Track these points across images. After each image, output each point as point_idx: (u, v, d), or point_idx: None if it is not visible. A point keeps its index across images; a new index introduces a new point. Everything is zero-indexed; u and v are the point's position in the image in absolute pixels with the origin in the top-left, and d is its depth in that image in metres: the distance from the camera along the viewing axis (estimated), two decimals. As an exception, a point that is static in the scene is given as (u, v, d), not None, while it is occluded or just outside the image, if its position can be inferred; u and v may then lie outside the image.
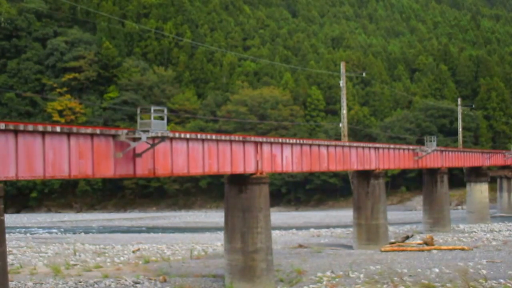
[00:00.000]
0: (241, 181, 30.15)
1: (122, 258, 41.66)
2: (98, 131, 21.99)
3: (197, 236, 60.29)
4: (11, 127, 18.98)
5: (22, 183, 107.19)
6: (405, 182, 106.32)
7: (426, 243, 43.99)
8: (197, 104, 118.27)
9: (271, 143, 31.77)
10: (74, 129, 21.17)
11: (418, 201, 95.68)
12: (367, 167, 42.53)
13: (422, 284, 29.42)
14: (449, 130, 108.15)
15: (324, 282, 30.63)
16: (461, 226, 62.36)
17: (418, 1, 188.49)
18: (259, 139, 30.96)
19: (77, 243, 53.35)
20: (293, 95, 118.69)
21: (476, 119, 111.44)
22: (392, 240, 46.65)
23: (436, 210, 57.41)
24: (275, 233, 54.50)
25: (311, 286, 29.97)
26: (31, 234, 67.97)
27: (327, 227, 67.85)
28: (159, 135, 23.10)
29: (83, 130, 21.47)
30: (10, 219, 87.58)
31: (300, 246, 46.63)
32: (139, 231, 71.52)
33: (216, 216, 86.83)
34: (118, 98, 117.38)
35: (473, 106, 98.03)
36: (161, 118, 23.47)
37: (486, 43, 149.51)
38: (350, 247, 45.47)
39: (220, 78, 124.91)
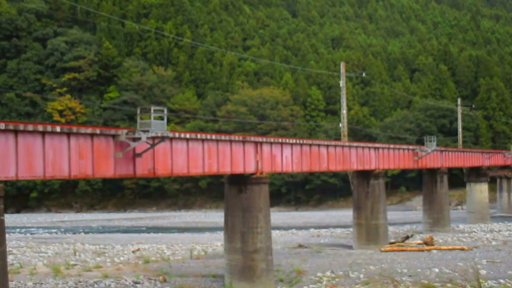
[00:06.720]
0: (241, 181, 30.14)
1: (122, 258, 41.66)
2: (98, 131, 21.98)
3: (197, 236, 60.29)
4: (11, 127, 18.96)
5: (22, 183, 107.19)
6: (405, 182, 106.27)
7: (426, 243, 44.00)
8: (197, 104, 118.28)
9: (271, 143, 31.75)
10: (74, 129, 21.16)
11: (418, 201, 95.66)
12: (367, 167, 42.53)
13: (422, 284, 29.41)
14: (449, 130, 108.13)
15: (324, 282, 30.62)
16: (461, 226, 62.33)
17: (418, 1, 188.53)
18: (259, 139, 30.93)
19: (77, 243, 53.35)
20: (293, 95, 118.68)
21: (476, 119, 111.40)
22: (392, 240, 46.65)
23: (436, 210, 57.39)
24: (275, 233, 54.48)
25: (311, 286, 29.96)
26: (31, 234, 67.95)
27: (327, 227, 67.83)
28: (159, 135, 23.10)
29: (83, 130, 21.46)
30: (10, 219, 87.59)
31: (300, 246, 46.62)
32: (139, 231, 71.50)
33: (216, 216, 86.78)
34: (118, 98, 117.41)
35: (473, 106, 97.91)
36: (161, 118, 23.47)
37: (486, 43, 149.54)
38: (350, 247, 45.46)
39: (220, 78, 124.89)
